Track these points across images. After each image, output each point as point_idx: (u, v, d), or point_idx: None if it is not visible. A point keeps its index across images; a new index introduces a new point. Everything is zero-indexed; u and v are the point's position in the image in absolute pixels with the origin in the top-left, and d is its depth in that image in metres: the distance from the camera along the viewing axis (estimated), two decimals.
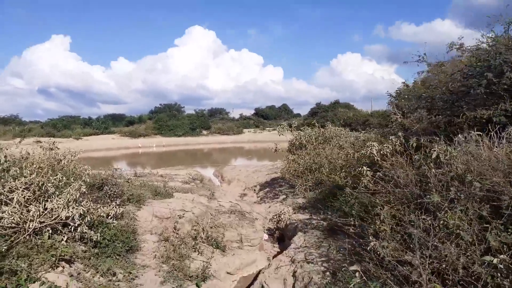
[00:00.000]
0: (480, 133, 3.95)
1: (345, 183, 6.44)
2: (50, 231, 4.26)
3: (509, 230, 2.93)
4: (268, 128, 65.24)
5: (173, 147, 45.60)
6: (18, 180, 4.32)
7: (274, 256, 6.49)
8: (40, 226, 4.15)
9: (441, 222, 3.16)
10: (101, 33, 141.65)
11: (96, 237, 4.60)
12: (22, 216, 4.06)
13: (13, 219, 4.00)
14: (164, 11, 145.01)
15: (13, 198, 4.14)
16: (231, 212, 7.83)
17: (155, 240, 5.62)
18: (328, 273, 4.50)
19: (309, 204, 8.59)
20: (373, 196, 4.35)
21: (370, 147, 4.72)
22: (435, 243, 3.04)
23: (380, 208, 3.79)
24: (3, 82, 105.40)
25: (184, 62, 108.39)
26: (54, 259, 3.99)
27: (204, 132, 58.23)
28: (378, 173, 4.60)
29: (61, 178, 4.78)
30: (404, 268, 3.08)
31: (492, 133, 3.93)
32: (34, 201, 4.45)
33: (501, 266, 2.63)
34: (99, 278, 4.32)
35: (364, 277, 3.21)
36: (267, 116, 76.75)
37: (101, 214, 4.99)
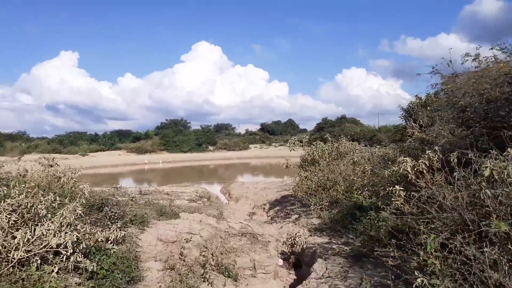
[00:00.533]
0: None
1: (370, 203, 5.82)
2: (39, 261, 3.70)
3: None
4: (274, 144, 64.80)
5: (179, 163, 45.20)
6: (3, 202, 3.80)
7: (292, 286, 5.85)
8: (26, 255, 3.60)
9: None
10: (109, 49, 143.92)
11: (92, 267, 4.03)
12: (5, 244, 3.52)
13: None
14: (171, 27, 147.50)
15: None
16: (242, 235, 7.21)
17: (160, 268, 5.02)
18: None
19: (326, 226, 7.94)
20: (411, 220, 3.74)
21: (403, 163, 4.14)
22: (507, 283, 2.43)
23: (426, 236, 3.18)
24: (12, 98, 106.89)
25: (190, 77, 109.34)
26: None
27: (210, 147, 57.88)
28: (413, 193, 4.00)
29: (54, 199, 4.25)
30: None
31: None
32: (23, 225, 3.91)
33: None
34: None
35: None
36: (273, 132, 76.38)
37: (100, 239, 4.42)
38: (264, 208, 13.47)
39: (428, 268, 3.08)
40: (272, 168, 44.23)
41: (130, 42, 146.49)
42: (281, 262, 6.97)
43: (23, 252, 3.52)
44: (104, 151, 50.42)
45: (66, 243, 3.75)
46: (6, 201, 3.77)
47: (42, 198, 4.07)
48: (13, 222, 3.72)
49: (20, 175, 7.83)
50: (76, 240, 3.88)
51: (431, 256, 3.01)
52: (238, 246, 6.43)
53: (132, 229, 6.02)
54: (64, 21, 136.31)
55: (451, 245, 3.02)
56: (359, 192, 6.44)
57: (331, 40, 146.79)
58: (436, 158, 3.95)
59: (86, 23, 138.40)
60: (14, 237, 3.59)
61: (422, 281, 2.93)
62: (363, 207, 6.74)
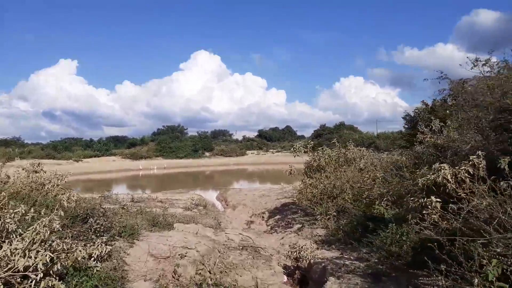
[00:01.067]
0: None
1: (392, 215, 5.20)
2: None
3: None
4: (271, 150, 64.22)
5: (174, 169, 44.43)
6: None
7: None
8: None
9: None
10: (107, 57, 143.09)
11: None
12: None
13: None
14: (171, 36, 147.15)
15: None
16: (243, 248, 6.57)
17: None
18: None
19: (333, 238, 7.33)
20: (461, 240, 3.12)
21: (441, 170, 3.55)
22: None
23: (487, 261, 2.57)
24: (9, 105, 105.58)
25: (188, 85, 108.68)
26: None
27: (207, 154, 57.14)
28: (451, 205, 3.40)
29: (26, 210, 3.60)
30: None
31: None
32: None
33: None
34: None
35: None
36: (271, 138, 75.81)
37: (80, 257, 3.77)
38: (263, 217, 12.80)
39: None
40: (269, 175, 43.60)
41: (129, 50, 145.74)
42: (285, 278, 6.32)
43: None
44: (98, 157, 49.48)
45: (36, 264, 3.10)
46: None
47: (11, 210, 3.42)
48: None
49: (1, 181, 7.18)
50: (49, 261, 3.23)
51: (493, 287, 2.40)
52: (238, 262, 5.79)
53: (120, 242, 5.37)
54: (64, 29, 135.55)
55: None
56: (378, 202, 5.83)
57: (329, 50, 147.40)
58: (482, 164, 3.36)
59: (86, 31, 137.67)
60: None
61: None
62: (377, 219, 6.14)
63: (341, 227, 7.69)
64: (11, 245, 3.07)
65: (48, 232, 3.42)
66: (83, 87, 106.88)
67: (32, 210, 3.72)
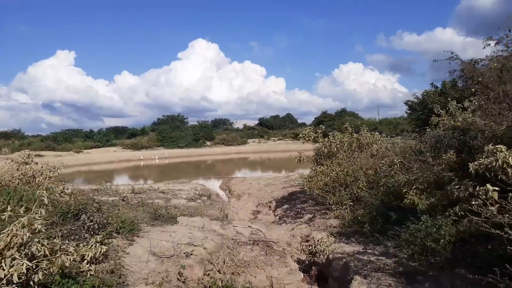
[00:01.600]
0: None
1: (427, 205, 4.61)
2: None
3: None
4: (273, 138, 63.58)
5: (176, 159, 44.00)
6: None
7: None
8: None
9: None
10: (105, 48, 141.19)
11: None
12: None
13: None
14: (168, 25, 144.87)
15: None
16: (254, 243, 6.00)
17: None
18: None
19: (351, 230, 6.78)
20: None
21: (496, 153, 2.94)
22: None
23: None
24: (8, 97, 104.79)
25: (187, 74, 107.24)
26: None
27: (208, 143, 56.56)
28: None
29: (2, 208, 3.02)
30: None
31: None
32: None
33: None
34: None
35: None
36: (272, 126, 75.05)
37: (67, 262, 3.20)
38: (270, 207, 12.28)
39: None
40: (271, 163, 43.13)
41: (126, 40, 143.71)
42: (301, 275, 5.77)
43: None
44: (99, 147, 48.92)
45: (10, 275, 2.52)
46: None
47: None
48: None
49: None
50: (28, 270, 2.65)
51: None
52: (250, 259, 5.23)
53: (118, 240, 4.80)
54: (60, 20, 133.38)
55: None
56: (405, 190, 5.21)
57: (328, 36, 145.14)
58: None
59: (82, 22, 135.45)
60: None
61: None
62: (401, 209, 5.57)
63: (358, 217, 7.12)
64: None
65: (28, 234, 2.83)
66: (81, 78, 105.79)
67: (9, 207, 3.12)
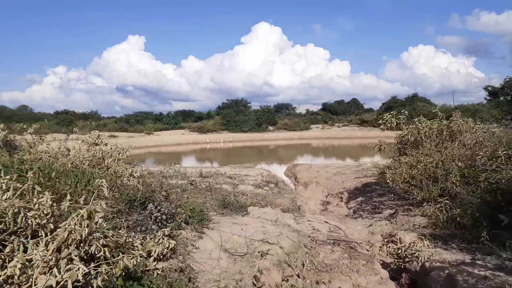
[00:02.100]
0: None
1: None
2: None
3: None
4: (337, 124, 61.16)
5: (239, 143, 44.48)
6: None
7: None
8: None
9: None
10: (172, 32, 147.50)
11: None
12: None
13: None
14: (231, 9, 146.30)
15: None
16: (334, 243, 5.24)
17: None
18: None
19: (447, 232, 5.69)
20: None
21: None
22: None
23: None
24: (86, 81, 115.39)
25: (250, 59, 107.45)
26: None
27: (270, 128, 56.28)
28: None
29: (55, 200, 2.65)
30: None
31: None
32: None
33: None
34: None
35: None
36: (336, 112, 72.26)
37: (130, 264, 2.74)
38: (341, 198, 11.33)
39: None
40: (335, 150, 41.47)
41: (192, 25, 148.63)
42: (393, 286, 4.88)
43: None
44: (168, 130, 51.33)
45: (65, 281, 2.09)
46: None
47: (35, 199, 2.45)
48: None
49: (62, 154, 6.68)
50: (85, 275, 2.21)
51: None
52: (332, 262, 4.50)
53: (187, 231, 4.37)
54: (131, 5, 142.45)
55: None
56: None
57: (396, 17, 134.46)
58: None
59: (151, 7, 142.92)
60: None
61: None
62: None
63: (456, 218, 5.96)
64: (26, 253, 2.09)
65: (86, 230, 2.40)
66: (151, 63, 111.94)
67: (68, 195, 2.74)
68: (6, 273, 1.93)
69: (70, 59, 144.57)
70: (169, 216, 4.00)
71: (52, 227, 2.48)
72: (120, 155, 6.42)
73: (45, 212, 2.44)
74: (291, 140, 48.80)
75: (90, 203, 2.49)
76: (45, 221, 2.47)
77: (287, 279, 3.71)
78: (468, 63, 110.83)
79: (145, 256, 3.34)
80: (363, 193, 10.61)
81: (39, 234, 2.44)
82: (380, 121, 8.50)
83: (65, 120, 46.24)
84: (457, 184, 7.03)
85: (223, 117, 55.65)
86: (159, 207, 3.86)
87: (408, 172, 7.51)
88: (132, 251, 3.26)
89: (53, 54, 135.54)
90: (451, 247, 5.19)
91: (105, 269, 2.36)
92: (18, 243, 2.17)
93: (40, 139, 8.40)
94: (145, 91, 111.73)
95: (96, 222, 2.49)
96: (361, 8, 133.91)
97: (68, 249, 2.35)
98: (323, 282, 3.97)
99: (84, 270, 2.12)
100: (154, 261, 3.33)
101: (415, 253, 5.05)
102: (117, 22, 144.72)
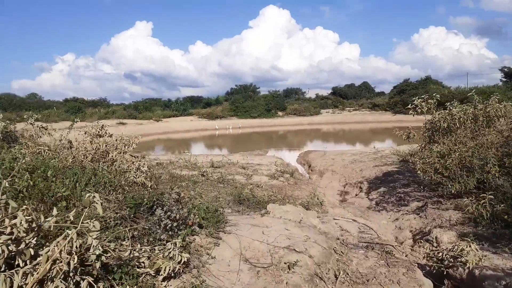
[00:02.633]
0: None
1: None
2: None
3: None
4: (348, 108, 60.03)
5: (248, 129, 43.93)
6: None
7: None
8: None
9: None
10: (180, 18, 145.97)
11: None
12: None
13: None
14: None
15: None
16: (368, 246, 4.65)
17: None
18: None
19: (491, 231, 5.06)
20: None
21: None
22: None
23: None
24: (94, 68, 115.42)
25: (258, 43, 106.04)
26: None
27: (279, 113, 55.48)
28: None
29: (35, 217, 2.08)
30: None
31: None
32: None
33: None
34: None
35: None
36: (346, 96, 70.92)
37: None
38: (360, 188, 10.69)
39: None
40: (345, 135, 40.71)
41: (199, 10, 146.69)
42: None
43: None
44: (176, 116, 50.91)
45: None
46: None
47: (7, 221, 1.88)
48: None
49: (64, 147, 6.16)
50: None
51: None
52: (367, 271, 3.91)
53: (201, 237, 3.82)
54: None
55: None
56: None
57: None
58: None
59: None
60: None
61: None
62: None
63: (502, 215, 5.30)
64: None
65: (76, 258, 1.83)
66: (158, 49, 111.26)
67: (55, 209, 2.17)
68: None
69: (78, 46, 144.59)
70: (180, 222, 3.43)
71: (32, 253, 1.91)
72: (126, 147, 5.86)
73: (20, 234, 1.87)
74: (301, 126, 48.09)
75: (80, 223, 1.91)
76: (23, 245, 1.91)
77: None
78: (481, 44, 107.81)
79: (153, 274, 2.80)
80: (384, 183, 9.94)
81: (16, 263, 1.88)
82: (409, 106, 7.75)
83: (74, 108, 46.11)
84: (497, 175, 6.35)
85: (231, 103, 54.98)
86: (169, 213, 3.30)
87: (441, 162, 6.82)
88: (137, 269, 2.72)
89: (62, 41, 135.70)
90: (502, 251, 4.56)
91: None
92: None
93: (43, 129, 7.87)
94: (153, 77, 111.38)
95: (89, 248, 1.92)
96: None
97: (53, 282, 1.80)
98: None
99: None
100: (164, 281, 2.79)
101: (459, 258, 4.44)
102: (124, 8, 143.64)
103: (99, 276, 2.20)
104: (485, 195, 5.24)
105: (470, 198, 5.71)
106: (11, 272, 1.81)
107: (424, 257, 5.08)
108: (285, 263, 3.44)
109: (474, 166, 6.67)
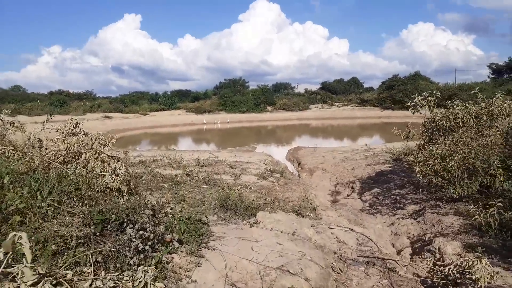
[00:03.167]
0: None
1: None
2: None
3: None
4: (337, 104, 59.87)
5: (237, 124, 43.42)
6: None
7: None
8: None
9: None
10: (169, 10, 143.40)
11: None
12: None
13: None
14: None
15: None
16: (368, 262, 4.21)
17: None
18: None
19: (499, 242, 4.68)
20: None
21: None
22: None
23: None
24: (81, 60, 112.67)
25: (247, 37, 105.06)
26: None
27: (269, 108, 54.96)
28: None
29: None
30: None
31: None
32: None
33: None
34: None
35: None
36: (335, 91, 70.76)
37: None
38: (352, 188, 10.31)
39: None
40: (334, 130, 40.53)
41: (189, 2, 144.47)
42: None
43: None
44: (164, 110, 49.85)
45: None
46: None
47: None
48: None
49: (32, 146, 5.54)
50: None
51: None
52: None
53: (181, 256, 3.30)
54: None
55: None
56: None
57: None
58: None
59: None
60: None
61: None
62: None
63: (509, 223, 4.93)
64: None
65: None
66: (147, 42, 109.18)
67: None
68: None
69: (65, 38, 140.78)
70: (156, 241, 2.91)
71: None
72: (103, 147, 5.28)
73: None
74: (290, 121, 47.80)
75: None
76: None
77: None
78: (468, 41, 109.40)
79: None
80: (378, 184, 9.57)
81: None
82: (409, 104, 7.32)
83: (59, 101, 44.59)
84: (502, 179, 6.01)
85: (220, 97, 54.19)
86: (141, 231, 2.77)
87: (442, 165, 6.43)
88: None
89: (49, 33, 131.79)
90: None
91: None
92: None
93: (12, 125, 7.17)
94: (141, 71, 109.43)
95: None
96: None
97: None
98: None
99: None
100: None
101: (467, 274, 4.04)
102: (113, 0, 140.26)
103: None
104: (493, 202, 4.86)
105: (473, 203, 5.33)
106: None
107: (426, 271, 4.68)
108: None
109: (477, 168, 6.31)
